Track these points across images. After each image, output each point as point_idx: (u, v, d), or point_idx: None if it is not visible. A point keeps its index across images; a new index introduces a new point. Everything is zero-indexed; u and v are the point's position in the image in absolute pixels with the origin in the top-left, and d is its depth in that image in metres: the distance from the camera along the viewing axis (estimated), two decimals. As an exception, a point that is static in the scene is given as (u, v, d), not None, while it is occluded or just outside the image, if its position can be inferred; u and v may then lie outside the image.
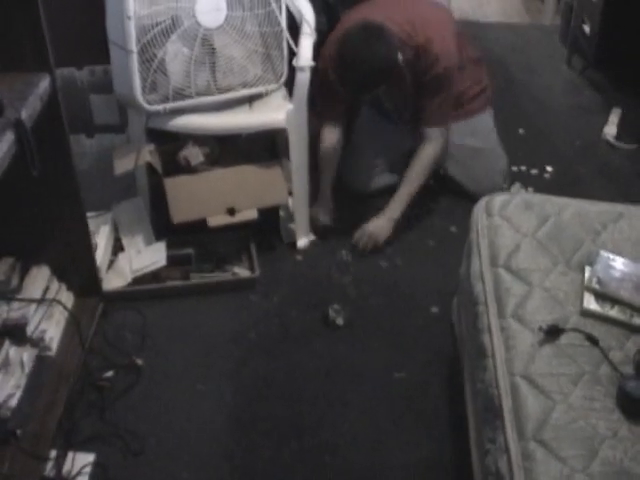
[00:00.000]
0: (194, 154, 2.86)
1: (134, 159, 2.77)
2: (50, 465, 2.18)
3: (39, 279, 2.48)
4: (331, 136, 3.20)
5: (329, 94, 3.09)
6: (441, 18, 3.11)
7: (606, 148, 3.89)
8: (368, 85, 2.91)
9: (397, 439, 2.39)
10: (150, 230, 2.99)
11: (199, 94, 2.72)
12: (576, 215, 2.25)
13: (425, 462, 2.32)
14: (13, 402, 2.17)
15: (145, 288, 2.85)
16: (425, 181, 3.14)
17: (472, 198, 2.72)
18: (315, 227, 3.20)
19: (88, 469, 2.23)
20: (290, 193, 3.04)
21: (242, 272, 2.97)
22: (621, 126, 3.98)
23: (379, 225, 3.11)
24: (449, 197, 3.47)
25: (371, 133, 3.37)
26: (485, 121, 3.37)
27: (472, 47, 3.23)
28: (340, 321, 2.76)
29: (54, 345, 2.44)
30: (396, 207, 3.11)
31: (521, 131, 4.00)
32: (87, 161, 3.28)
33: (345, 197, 3.39)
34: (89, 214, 2.61)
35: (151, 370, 2.58)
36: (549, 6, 5.31)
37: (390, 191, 3.20)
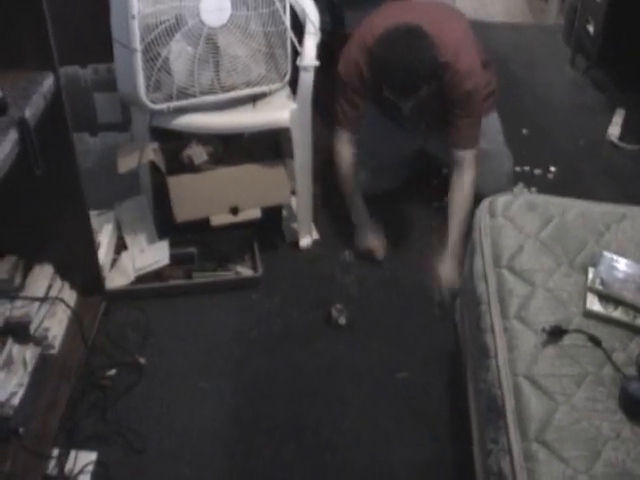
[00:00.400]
0: (198, 153, 2.86)
1: (137, 158, 2.77)
2: (52, 463, 2.19)
3: (42, 277, 2.48)
4: (348, 149, 3.06)
5: (351, 103, 2.97)
6: (464, 29, 3.02)
7: (610, 148, 3.89)
8: (415, 89, 2.74)
9: (398, 439, 2.39)
10: (153, 229, 2.99)
11: (203, 93, 2.72)
12: (579, 216, 2.25)
13: (427, 462, 2.32)
14: (16, 400, 2.17)
15: (148, 287, 2.86)
16: (470, 209, 2.84)
17: (476, 198, 2.71)
18: (367, 255, 3.06)
19: (90, 467, 2.24)
20: (293, 192, 3.04)
21: (245, 271, 2.97)
22: (625, 127, 3.97)
23: (447, 270, 2.89)
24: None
25: (376, 134, 3.31)
26: (492, 123, 3.33)
27: (482, 50, 3.21)
28: (342, 321, 2.76)
29: (57, 343, 2.44)
30: (454, 245, 2.91)
31: (524, 131, 3.99)
32: (90, 159, 3.28)
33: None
34: (92, 212, 2.61)
35: (153, 369, 2.59)
36: (553, 6, 5.30)
37: (393, 193, 3.18)
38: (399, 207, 3.41)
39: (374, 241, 3.08)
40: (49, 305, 2.45)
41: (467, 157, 2.95)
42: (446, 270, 2.88)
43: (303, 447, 2.36)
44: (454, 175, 2.99)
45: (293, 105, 2.85)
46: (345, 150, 3.06)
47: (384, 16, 2.95)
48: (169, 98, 2.68)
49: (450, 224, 2.97)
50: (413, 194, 3.50)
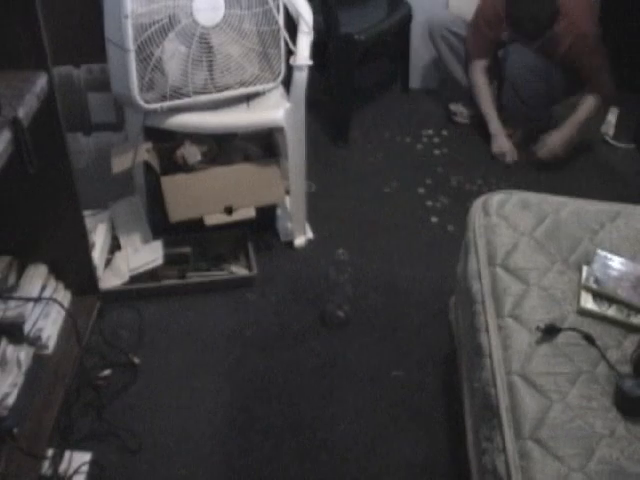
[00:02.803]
0: (191, 153, 2.86)
1: (131, 158, 2.77)
2: (47, 464, 2.18)
3: (36, 278, 2.47)
4: (482, 75, 3.84)
5: (483, 34, 3.74)
6: None
7: (604, 147, 3.90)
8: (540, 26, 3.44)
9: (394, 438, 2.39)
10: (147, 229, 2.99)
11: (196, 93, 2.71)
12: (573, 214, 2.25)
13: (422, 460, 2.32)
14: (10, 401, 2.17)
15: (142, 287, 2.85)
16: (588, 122, 3.73)
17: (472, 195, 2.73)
18: (500, 160, 3.80)
19: (85, 468, 2.23)
20: (287, 192, 3.04)
21: (239, 271, 2.97)
22: (618, 125, 3.98)
23: (553, 140, 3.70)
24: (446, 196, 3.48)
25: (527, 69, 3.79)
26: None
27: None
28: (337, 320, 2.77)
29: (51, 344, 2.44)
30: (570, 125, 3.70)
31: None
32: (84, 159, 3.27)
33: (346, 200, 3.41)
34: (86, 212, 2.61)
35: (148, 368, 2.58)
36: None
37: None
38: (398, 207, 3.42)
39: (507, 145, 3.80)
40: (43, 305, 2.44)
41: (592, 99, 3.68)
42: (553, 139, 3.71)
43: (299, 446, 2.35)
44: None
45: (287, 104, 2.85)
46: (479, 77, 3.85)
47: None
48: (163, 98, 2.67)
49: (575, 112, 3.71)
50: (407, 196, 3.51)
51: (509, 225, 2.21)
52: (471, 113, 4.02)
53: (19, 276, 2.47)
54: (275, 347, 2.70)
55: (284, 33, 2.76)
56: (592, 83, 3.66)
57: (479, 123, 3.94)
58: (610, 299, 1.99)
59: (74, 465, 2.22)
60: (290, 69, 2.82)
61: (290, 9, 2.82)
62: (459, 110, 4.05)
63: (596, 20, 3.71)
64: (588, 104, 3.69)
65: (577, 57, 3.58)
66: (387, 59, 4.37)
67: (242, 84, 2.80)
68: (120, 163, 2.79)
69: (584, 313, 1.96)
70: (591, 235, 2.19)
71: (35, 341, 2.38)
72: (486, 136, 3.86)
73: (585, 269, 2.07)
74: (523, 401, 1.76)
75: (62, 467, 2.21)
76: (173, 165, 2.86)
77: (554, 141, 3.70)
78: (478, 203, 2.34)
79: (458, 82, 4.04)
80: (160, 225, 2.94)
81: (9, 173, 1.89)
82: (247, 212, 2.91)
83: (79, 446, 2.29)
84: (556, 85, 3.74)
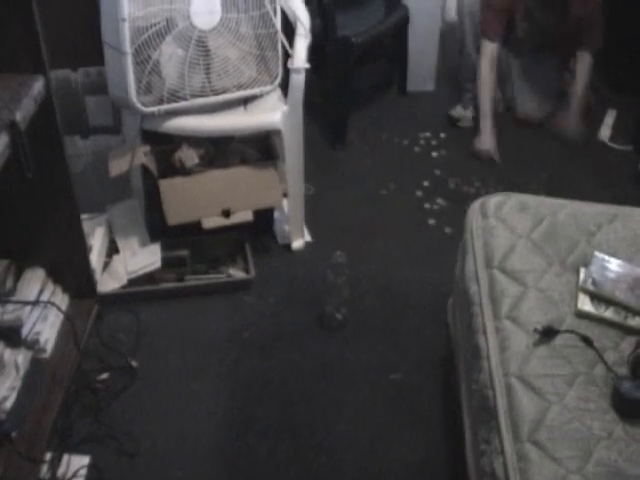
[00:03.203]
0: (189, 156, 2.86)
1: (129, 161, 2.77)
2: (45, 467, 2.18)
3: (34, 281, 2.47)
4: (491, 60, 3.81)
5: (496, 13, 3.75)
6: None
7: (601, 149, 3.90)
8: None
9: (392, 440, 2.39)
10: (145, 232, 2.99)
11: (194, 96, 2.71)
12: (571, 216, 2.26)
13: (420, 463, 2.32)
14: (8, 404, 2.17)
15: (140, 290, 2.85)
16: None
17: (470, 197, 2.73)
18: (480, 157, 3.78)
19: (83, 471, 2.23)
20: (285, 194, 3.04)
21: (237, 274, 2.97)
22: (616, 127, 3.98)
23: (572, 117, 3.84)
24: (444, 198, 3.48)
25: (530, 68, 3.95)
26: None
27: None
28: (335, 322, 2.77)
29: (49, 347, 2.44)
30: (580, 99, 3.84)
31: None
32: (82, 163, 3.27)
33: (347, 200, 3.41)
34: (84, 216, 2.61)
35: (146, 372, 2.58)
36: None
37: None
38: (396, 209, 3.42)
39: (491, 144, 3.78)
40: (41, 309, 2.44)
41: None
42: (571, 117, 3.83)
43: (297, 448, 2.35)
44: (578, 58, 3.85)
45: (284, 107, 2.85)
46: (485, 67, 3.82)
47: None
48: (160, 101, 2.67)
49: (576, 85, 3.83)
50: (404, 198, 3.51)
51: (506, 227, 2.22)
52: (474, 114, 4.02)
53: (17, 279, 2.47)
54: (273, 349, 2.70)
55: (281, 36, 2.76)
56: (589, 37, 3.78)
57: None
58: (607, 301, 1.99)
59: (72, 468, 2.22)
60: (287, 72, 2.82)
61: (287, 12, 2.82)
62: (461, 114, 4.04)
63: None
64: (585, 64, 3.82)
65: (581, 13, 3.69)
66: (384, 61, 4.37)
67: (239, 87, 2.80)
68: (118, 166, 2.78)
69: (581, 315, 1.96)
70: (588, 237, 2.19)
71: (33, 345, 2.38)
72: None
73: (582, 271, 2.07)
74: (521, 403, 1.76)
75: (60, 470, 2.21)
76: (171, 168, 2.86)
77: (574, 122, 3.85)
78: (476, 205, 2.34)
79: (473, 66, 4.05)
80: (158, 228, 2.94)
81: (6, 176, 1.89)
82: (245, 215, 2.91)
83: (77, 449, 2.29)
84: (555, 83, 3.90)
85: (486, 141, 3.79)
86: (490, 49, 3.83)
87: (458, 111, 4.05)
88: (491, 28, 3.81)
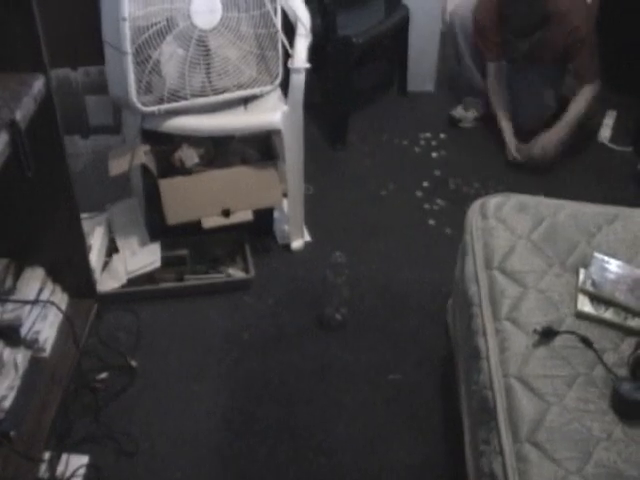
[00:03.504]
0: (189, 155, 2.86)
1: (129, 160, 2.76)
2: (44, 467, 2.18)
3: (33, 280, 2.47)
4: (499, 79, 3.83)
5: (489, 38, 3.73)
6: None
7: (601, 150, 3.90)
8: (529, 29, 3.53)
9: (391, 440, 2.39)
10: (145, 231, 2.98)
11: (194, 95, 2.71)
12: (571, 217, 2.26)
13: (419, 463, 2.32)
14: (7, 403, 2.17)
15: (140, 289, 2.85)
16: (583, 116, 3.73)
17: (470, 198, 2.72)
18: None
19: (82, 471, 2.23)
20: (285, 194, 3.04)
21: (237, 273, 2.97)
22: (616, 128, 3.98)
23: (548, 139, 3.68)
24: (444, 199, 3.48)
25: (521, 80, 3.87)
26: None
27: None
28: (334, 322, 2.77)
29: (48, 346, 2.44)
30: (564, 124, 3.69)
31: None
32: (82, 162, 3.27)
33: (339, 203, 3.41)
34: (83, 215, 2.60)
35: (145, 371, 2.58)
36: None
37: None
38: (396, 210, 3.42)
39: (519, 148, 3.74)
40: (40, 308, 2.44)
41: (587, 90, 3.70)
42: (549, 137, 3.67)
43: (296, 449, 2.35)
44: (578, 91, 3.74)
45: (284, 107, 2.85)
46: (493, 84, 3.84)
47: None
48: (160, 101, 2.67)
49: (568, 112, 3.70)
50: (404, 198, 3.51)
51: (506, 228, 2.22)
52: (477, 115, 4.02)
53: (16, 278, 2.46)
54: (272, 349, 2.69)
55: (282, 36, 2.76)
56: (584, 77, 3.70)
57: (488, 122, 3.98)
58: (607, 302, 1.99)
59: (71, 468, 2.22)
60: (288, 72, 2.82)
61: (288, 12, 2.82)
62: (462, 115, 4.04)
63: (592, 19, 3.73)
64: (581, 100, 3.70)
65: (571, 56, 3.64)
66: (385, 62, 4.37)
67: (240, 87, 2.80)
68: (117, 166, 2.78)
69: (581, 316, 1.96)
70: (588, 238, 2.19)
71: (32, 344, 2.38)
72: (492, 134, 3.89)
73: (582, 272, 2.07)
74: (520, 404, 1.76)
75: (59, 470, 2.21)
76: (171, 168, 2.86)
77: (550, 140, 3.69)
78: (476, 206, 2.34)
79: (472, 79, 4.04)
80: (158, 228, 2.94)
81: (6, 176, 1.89)
82: (244, 215, 2.91)
83: (76, 449, 2.29)
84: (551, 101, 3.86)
85: (511, 151, 3.76)
86: (493, 68, 3.84)
87: (459, 112, 4.05)
88: (488, 51, 3.81)
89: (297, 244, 3.15)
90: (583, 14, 3.61)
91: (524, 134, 3.79)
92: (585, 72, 3.69)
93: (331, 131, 3.85)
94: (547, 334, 1.89)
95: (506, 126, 3.81)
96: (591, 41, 3.61)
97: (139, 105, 2.64)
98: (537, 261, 2.12)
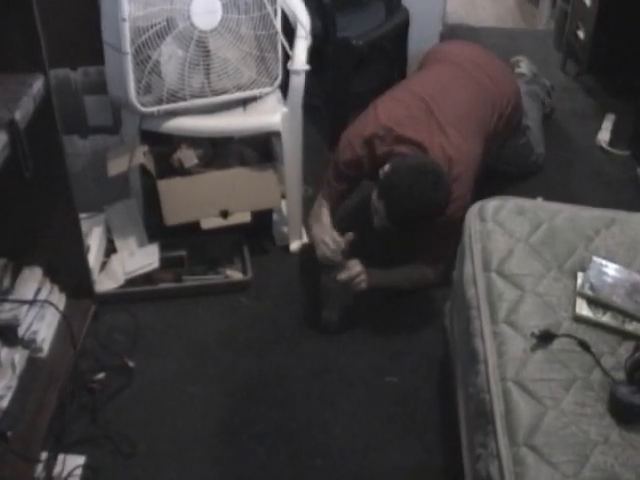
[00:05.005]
0: (188, 156, 2.85)
1: (128, 161, 2.76)
2: (41, 467, 2.18)
3: (31, 280, 2.47)
4: (326, 216, 2.88)
5: (339, 187, 2.91)
6: (474, 155, 2.79)
7: (599, 154, 3.89)
8: (413, 223, 2.65)
9: (388, 443, 2.39)
10: (143, 232, 2.98)
11: (193, 96, 2.71)
12: (569, 221, 2.26)
13: (416, 467, 2.32)
14: (4, 403, 2.17)
15: (137, 290, 2.85)
16: (408, 286, 2.90)
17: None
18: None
19: (79, 471, 2.23)
20: (284, 196, 3.04)
21: (235, 275, 2.97)
22: (614, 132, 3.98)
23: (374, 278, 2.76)
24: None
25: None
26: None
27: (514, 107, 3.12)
28: (332, 324, 2.76)
29: (46, 346, 2.44)
30: (378, 277, 2.80)
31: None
32: (80, 162, 3.27)
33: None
34: (82, 215, 2.61)
35: (143, 372, 2.58)
36: (544, 11, 5.31)
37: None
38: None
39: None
40: (38, 308, 2.44)
41: (430, 272, 2.84)
42: (374, 276, 2.75)
43: (293, 451, 2.35)
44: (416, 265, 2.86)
45: (284, 109, 2.85)
46: (324, 216, 2.88)
47: (389, 106, 2.85)
48: (159, 101, 2.67)
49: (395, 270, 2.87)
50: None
51: (505, 231, 2.22)
52: None
53: (14, 278, 2.46)
54: (270, 351, 2.69)
55: (281, 37, 2.76)
56: (430, 258, 2.82)
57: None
58: (605, 306, 1.99)
59: (68, 468, 2.22)
60: (287, 73, 2.82)
61: (288, 13, 2.82)
62: None
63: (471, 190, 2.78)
64: (419, 272, 2.86)
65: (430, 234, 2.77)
66: (384, 64, 4.37)
67: (239, 88, 2.80)
68: (116, 166, 2.78)
69: (579, 320, 1.97)
70: (586, 242, 2.19)
71: (30, 344, 2.38)
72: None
73: (580, 276, 2.07)
74: (518, 407, 1.76)
75: (56, 470, 2.21)
76: (169, 169, 2.86)
77: (372, 278, 2.76)
78: (474, 209, 2.34)
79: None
80: (156, 228, 2.94)
81: (5, 175, 1.89)
82: (243, 216, 2.91)
83: (73, 449, 2.29)
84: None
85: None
86: (327, 208, 2.93)
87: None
88: (332, 197, 2.94)
89: (295, 246, 3.15)
90: (464, 211, 2.47)
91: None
92: (430, 255, 2.83)
93: (330, 133, 3.85)
94: (545, 338, 1.89)
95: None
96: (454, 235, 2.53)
97: (138, 105, 2.64)
98: (535, 265, 2.12)
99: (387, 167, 2.62)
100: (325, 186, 2.95)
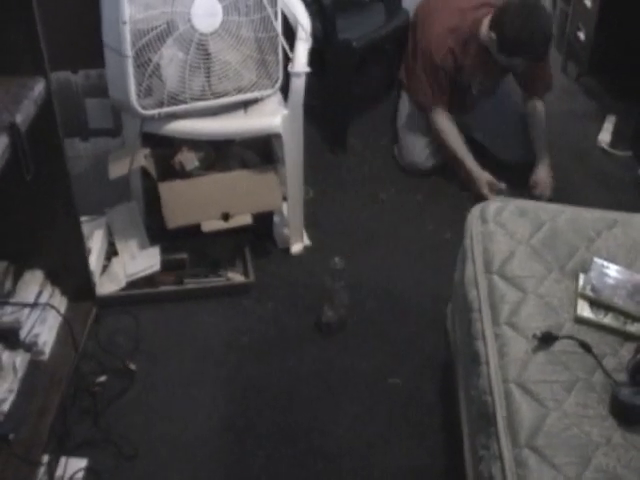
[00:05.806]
0: (189, 159, 2.85)
1: (129, 163, 2.76)
2: (42, 470, 2.18)
3: (32, 283, 2.47)
4: (449, 121, 3.53)
5: (443, 84, 3.47)
6: None
7: (600, 155, 3.90)
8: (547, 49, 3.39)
9: (391, 445, 2.39)
10: (144, 235, 2.98)
11: (194, 99, 2.71)
12: (570, 222, 2.26)
13: (418, 468, 2.32)
14: (5, 407, 2.17)
15: (139, 293, 2.85)
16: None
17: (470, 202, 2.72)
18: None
19: (81, 474, 2.23)
20: (285, 198, 3.04)
21: (236, 277, 2.97)
22: (615, 133, 3.98)
23: (545, 173, 3.50)
24: (444, 203, 3.48)
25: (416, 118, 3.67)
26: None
27: None
28: (334, 327, 2.76)
29: (47, 349, 2.43)
30: (545, 155, 3.54)
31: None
32: (81, 165, 3.26)
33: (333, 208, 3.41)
34: (83, 218, 2.61)
35: (144, 375, 2.58)
36: (544, 13, 5.31)
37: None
38: (395, 214, 3.42)
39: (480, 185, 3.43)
40: (39, 311, 2.44)
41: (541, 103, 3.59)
42: (542, 176, 3.48)
43: (295, 453, 2.35)
44: (530, 105, 3.60)
45: (284, 111, 2.85)
46: (447, 124, 3.52)
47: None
48: (160, 104, 2.67)
49: (535, 136, 3.58)
50: (404, 203, 3.51)
51: (506, 233, 2.22)
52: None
53: (15, 281, 2.47)
54: (271, 354, 2.69)
55: (282, 40, 2.76)
56: (541, 87, 3.61)
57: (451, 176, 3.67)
58: (607, 307, 1.99)
59: (70, 471, 2.22)
60: (288, 76, 2.82)
61: (288, 16, 2.82)
62: None
63: None
64: (541, 113, 3.59)
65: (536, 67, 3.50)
66: (385, 66, 4.37)
67: (240, 91, 2.80)
68: (117, 169, 2.78)
69: (581, 321, 1.96)
70: (588, 243, 2.19)
71: (31, 347, 2.38)
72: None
73: (582, 277, 2.07)
74: (520, 409, 1.76)
75: (58, 473, 2.21)
76: (170, 171, 2.86)
77: (546, 176, 3.50)
78: (475, 210, 2.34)
79: (415, 164, 3.69)
80: (157, 231, 2.93)
81: (6, 178, 1.89)
82: (244, 219, 2.91)
83: (75, 452, 2.29)
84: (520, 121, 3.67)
85: (485, 182, 3.43)
86: (441, 113, 3.55)
87: None
88: (437, 97, 3.53)
89: (297, 248, 3.15)
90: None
91: (505, 169, 3.55)
92: (539, 85, 3.61)
93: (331, 135, 3.85)
94: (546, 339, 1.89)
95: (472, 164, 3.48)
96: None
97: (139, 108, 2.64)
98: (537, 266, 2.11)
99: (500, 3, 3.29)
100: (430, 97, 3.51)
